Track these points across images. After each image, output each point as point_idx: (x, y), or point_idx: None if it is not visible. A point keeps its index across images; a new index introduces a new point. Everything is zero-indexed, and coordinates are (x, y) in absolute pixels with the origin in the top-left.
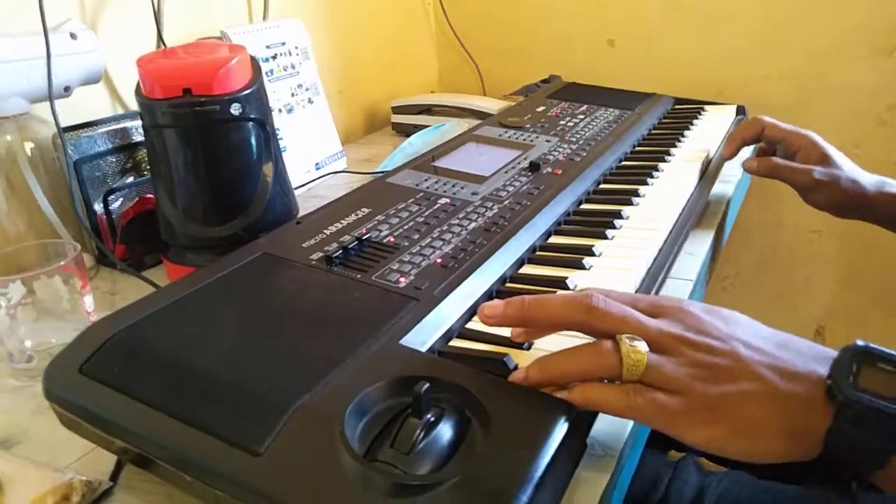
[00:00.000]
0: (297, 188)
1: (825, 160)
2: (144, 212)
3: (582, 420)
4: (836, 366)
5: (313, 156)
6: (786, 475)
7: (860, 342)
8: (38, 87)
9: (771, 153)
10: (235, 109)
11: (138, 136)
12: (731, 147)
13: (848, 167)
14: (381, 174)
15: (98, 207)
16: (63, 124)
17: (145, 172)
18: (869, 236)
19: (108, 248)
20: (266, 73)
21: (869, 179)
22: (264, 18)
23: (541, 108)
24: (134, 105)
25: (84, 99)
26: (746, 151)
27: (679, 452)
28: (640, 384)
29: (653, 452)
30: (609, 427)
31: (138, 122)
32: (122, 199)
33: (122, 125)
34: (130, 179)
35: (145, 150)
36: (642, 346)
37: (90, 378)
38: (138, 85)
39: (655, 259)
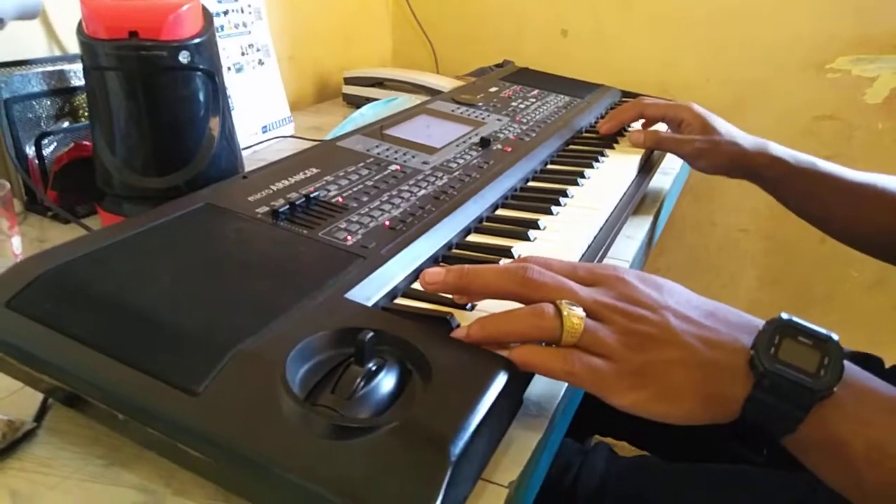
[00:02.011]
0: (242, 149)
1: (706, 128)
2: (79, 159)
3: (519, 377)
4: (760, 338)
5: (260, 119)
6: (695, 454)
7: (784, 315)
8: None
9: None
10: (184, 57)
11: (76, 81)
12: (610, 125)
13: (726, 131)
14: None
15: (29, 151)
16: None
17: (82, 118)
18: (790, 238)
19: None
20: (217, 28)
21: (749, 141)
22: None
23: (493, 89)
24: (72, 48)
25: (17, 36)
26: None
27: (602, 437)
28: (574, 349)
29: (567, 442)
30: (543, 389)
31: (77, 66)
32: (55, 143)
33: (59, 67)
34: (66, 124)
35: (83, 96)
36: (580, 311)
37: (18, 313)
38: (80, 23)
39: (596, 236)
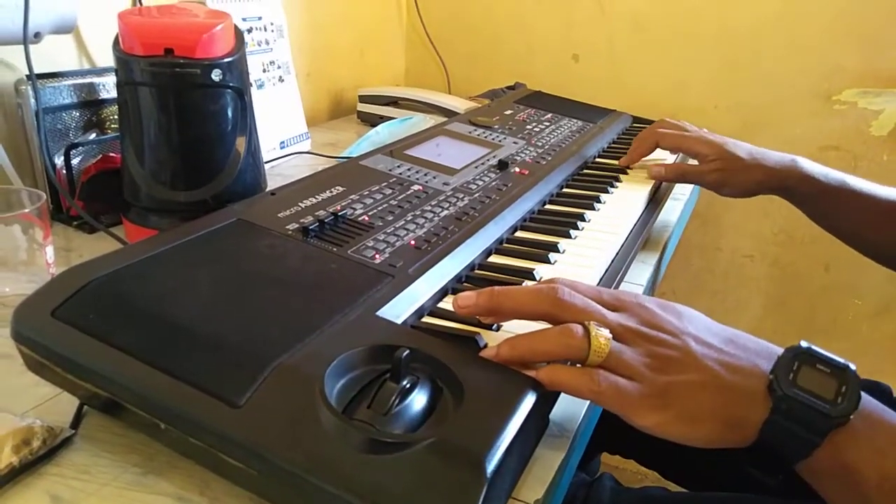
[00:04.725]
0: None
1: (724, 154)
2: (107, 170)
3: (547, 398)
4: (779, 363)
5: (279, 134)
6: (702, 474)
7: (804, 343)
8: (8, 30)
9: None
10: (216, 75)
11: (105, 94)
12: (629, 160)
13: (747, 153)
14: (348, 159)
15: (58, 161)
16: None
17: (109, 130)
18: (795, 265)
19: (64, 204)
20: None
21: (775, 159)
22: None
23: (508, 112)
24: (102, 62)
25: (50, 50)
26: None
27: (613, 455)
28: (600, 369)
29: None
30: (564, 410)
31: (107, 79)
32: (83, 154)
33: (89, 80)
34: (93, 136)
35: (111, 108)
36: (607, 332)
37: (63, 322)
38: (116, 38)
39: (613, 261)
